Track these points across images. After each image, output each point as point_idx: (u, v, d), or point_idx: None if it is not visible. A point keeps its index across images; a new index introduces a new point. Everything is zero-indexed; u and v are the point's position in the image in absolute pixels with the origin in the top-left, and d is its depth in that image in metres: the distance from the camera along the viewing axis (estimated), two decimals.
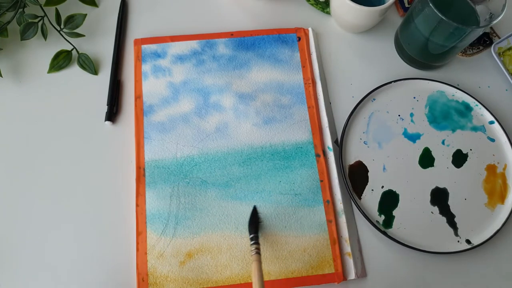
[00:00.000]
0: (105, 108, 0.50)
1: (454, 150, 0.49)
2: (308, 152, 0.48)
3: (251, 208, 0.45)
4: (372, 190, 0.47)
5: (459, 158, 0.49)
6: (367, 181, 0.47)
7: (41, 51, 0.52)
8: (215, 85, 0.51)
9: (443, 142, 0.50)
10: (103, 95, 0.50)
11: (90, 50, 0.53)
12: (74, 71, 0.52)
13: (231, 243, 0.44)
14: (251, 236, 0.41)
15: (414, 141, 0.49)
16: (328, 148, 0.49)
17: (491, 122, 0.50)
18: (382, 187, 0.47)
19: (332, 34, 0.56)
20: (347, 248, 0.45)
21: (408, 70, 0.54)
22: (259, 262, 0.37)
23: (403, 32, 0.53)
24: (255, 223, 0.43)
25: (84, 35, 0.52)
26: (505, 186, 0.48)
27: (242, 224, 0.45)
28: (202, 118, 0.49)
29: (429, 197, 0.47)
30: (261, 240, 0.44)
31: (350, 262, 0.44)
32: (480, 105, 0.51)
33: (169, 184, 0.46)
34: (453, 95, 0.51)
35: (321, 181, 0.47)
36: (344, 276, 0.43)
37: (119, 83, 0.51)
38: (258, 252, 0.39)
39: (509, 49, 0.54)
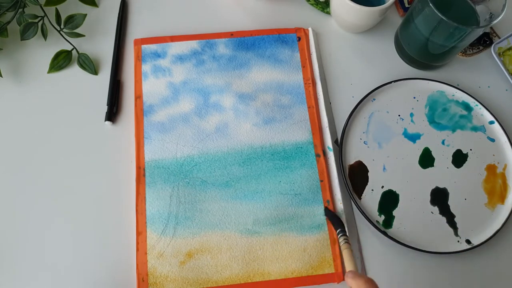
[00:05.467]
0: (105, 108, 0.50)
1: (454, 150, 0.49)
2: (308, 152, 0.48)
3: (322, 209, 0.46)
4: (372, 190, 0.47)
5: (459, 158, 0.49)
6: (367, 181, 0.47)
7: (41, 51, 0.52)
8: (215, 85, 0.51)
9: (443, 142, 0.50)
10: (103, 95, 0.50)
11: (90, 50, 0.53)
12: (74, 71, 0.52)
13: (231, 243, 0.44)
14: (338, 230, 0.43)
15: (414, 141, 0.49)
16: (328, 148, 0.49)
17: (491, 122, 0.50)
18: (382, 187, 0.47)
19: (332, 34, 0.56)
20: None
21: (408, 70, 0.54)
22: (350, 250, 0.40)
23: (403, 32, 0.53)
24: (336, 218, 0.44)
25: (84, 35, 0.52)
26: (505, 186, 0.48)
27: (242, 224, 0.45)
28: (202, 118, 0.49)
29: (429, 197, 0.47)
30: (261, 240, 0.44)
31: None
32: (480, 105, 0.51)
33: (169, 184, 0.46)
34: (453, 95, 0.51)
35: (321, 181, 0.47)
36: (344, 276, 0.43)
37: (119, 83, 0.51)
38: (347, 241, 0.41)
39: (509, 49, 0.54)
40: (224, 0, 0.57)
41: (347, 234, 0.43)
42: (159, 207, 0.45)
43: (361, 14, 0.50)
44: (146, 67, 0.51)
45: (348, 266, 0.39)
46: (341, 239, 0.42)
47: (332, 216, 0.45)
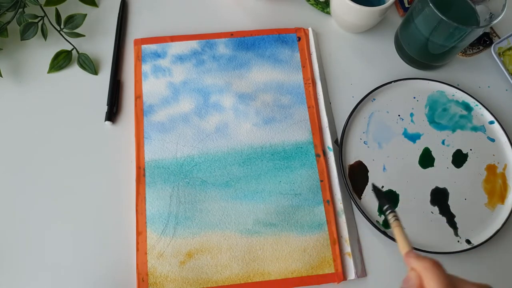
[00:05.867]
0: (105, 108, 0.50)
1: (454, 150, 0.49)
2: (308, 152, 0.48)
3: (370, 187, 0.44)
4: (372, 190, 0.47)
5: (459, 158, 0.49)
6: (367, 181, 0.47)
7: (41, 51, 0.52)
8: (215, 85, 0.51)
9: (443, 142, 0.50)
10: (103, 95, 0.50)
11: (90, 50, 0.53)
12: (74, 71, 0.52)
13: (231, 243, 0.44)
14: (386, 207, 0.39)
15: (414, 141, 0.49)
16: (328, 148, 0.49)
17: (491, 122, 0.50)
18: (382, 187, 0.47)
19: (332, 34, 0.56)
20: (347, 248, 0.45)
21: (408, 70, 0.54)
22: (401, 226, 0.36)
23: (403, 32, 0.53)
24: (382, 195, 0.42)
25: (84, 35, 0.52)
26: (505, 186, 0.48)
27: (242, 224, 0.45)
28: (202, 118, 0.49)
29: (429, 197, 0.47)
30: (261, 240, 0.44)
31: (350, 262, 0.44)
32: (480, 105, 0.51)
33: (169, 184, 0.46)
34: (453, 95, 0.51)
35: (321, 181, 0.47)
36: (344, 276, 0.43)
37: (119, 83, 0.51)
38: (397, 218, 0.37)
39: (509, 49, 0.54)
40: (224, 0, 0.57)
41: (394, 210, 0.38)
42: (159, 207, 0.45)
43: (361, 14, 0.50)
44: (146, 67, 0.51)
45: (404, 246, 0.35)
46: (390, 216, 0.38)
47: (378, 191, 0.42)
